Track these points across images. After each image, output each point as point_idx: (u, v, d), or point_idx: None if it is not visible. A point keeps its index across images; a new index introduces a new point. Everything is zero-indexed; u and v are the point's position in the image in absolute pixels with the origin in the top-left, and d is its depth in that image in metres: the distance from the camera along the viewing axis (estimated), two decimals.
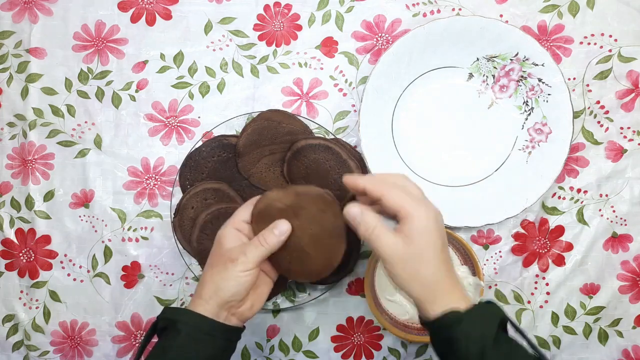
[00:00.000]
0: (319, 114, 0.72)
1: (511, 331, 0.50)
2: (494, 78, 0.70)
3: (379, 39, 0.72)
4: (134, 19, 0.73)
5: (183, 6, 0.73)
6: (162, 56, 0.73)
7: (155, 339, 0.55)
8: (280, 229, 0.54)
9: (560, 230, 0.70)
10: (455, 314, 0.47)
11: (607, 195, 0.71)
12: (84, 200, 0.72)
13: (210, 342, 0.52)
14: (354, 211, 0.51)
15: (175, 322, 0.52)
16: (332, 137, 0.70)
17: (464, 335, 0.46)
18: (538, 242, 0.71)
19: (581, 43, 0.71)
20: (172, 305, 0.72)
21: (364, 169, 0.68)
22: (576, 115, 0.70)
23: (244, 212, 0.56)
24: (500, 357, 0.46)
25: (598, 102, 0.71)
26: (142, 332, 0.72)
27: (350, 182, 0.52)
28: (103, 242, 0.72)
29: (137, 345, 0.72)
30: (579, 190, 0.71)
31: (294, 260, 0.56)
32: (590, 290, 0.70)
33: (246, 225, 0.56)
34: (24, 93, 0.73)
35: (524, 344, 0.49)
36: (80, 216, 0.72)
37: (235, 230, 0.55)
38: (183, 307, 0.54)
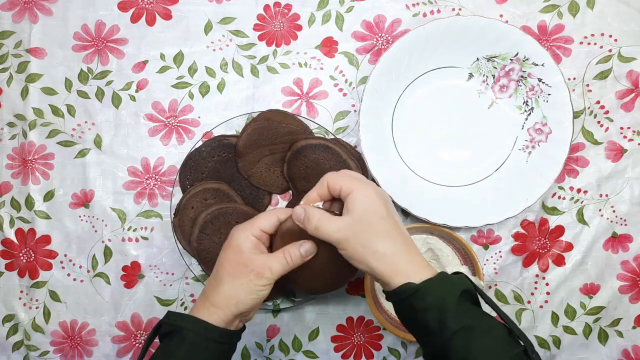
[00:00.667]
0: (319, 114, 0.72)
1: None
2: (494, 78, 0.70)
3: (379, 39, 0.72)
4: (134, 19, 0.73)
5: (183, 6, 0.73)
6: (162, 56, 0.73)
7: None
8: (307, 249, 0.53)
9: (560, 230, 0.70)
10: (411, 285, 0.47)
11: (607, 195, 0.71)
12: (84, 200, 0.72)
13: (216, 348, 0.52)
14: (299, 211, 0.52)
15: (180, 329, 0.51)
16: (332, 137, 0.70)
17: (424, 305, 0.47)
18: (538, 242, 0.71)
19: (581, 43, 0.71)
20: (172, 306, 0.72)
21: (364, 169, 0.68)
22: (576, 115, 0.70)
23: (264, 221, 0.54)
24: (461, 323, 0.46)
25: (598, 102, 0.71)
26: (142, 332, 0.72)
27: (317, 192, 0.53)
28: (103, 242, 0.72)
29: (137, 345, 0.72)
30: (579, 190, 0.71)
31: (302, 277, 0.56)
32: (590, 290, 0.70)
33: (264, 235, 0.54)
34: (24, 93, 0.73)
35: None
36: (80, 216, 0.72)
37: (254, 238, 0.54)
38: (186, 312, 0.53)
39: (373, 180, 0.69)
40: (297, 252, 0.53)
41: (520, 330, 0.48)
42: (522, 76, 0.69)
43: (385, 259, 0.49)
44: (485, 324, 0.47)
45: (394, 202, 0.67)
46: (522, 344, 0.47)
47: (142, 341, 0.72)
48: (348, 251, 0.49)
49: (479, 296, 0.50)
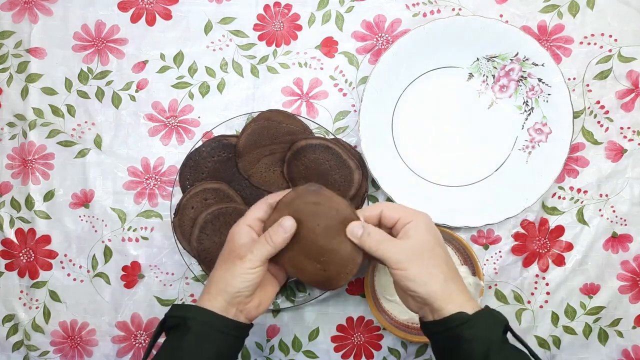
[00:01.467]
0: (319, 114, 0.72)
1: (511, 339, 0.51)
2: (494, 78, 0.70)
3: (379, 39, 0.72)
4: (134, 19, 0.73)
5: (183, 6, 0.73)
6: (162, 56, 0.73)
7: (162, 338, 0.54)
8: (285, 226, 0.54)
9: (560, 230, 0.70)
10: (463, 314, 0.49)
11: (607, 195, 0.71)
12: (84, 200, 0.72)
13: (220, 339, 0.52)
14: (356, 227, 0.53)
15: (185, 319, 0.52)
16: (332, 137, 0.70)
17: (472, 336, 0.48)
18: (538, 242, 0.71)
19: (581, 43, 0.71)
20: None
21: (363, 169, 0.68)
22: (576, 115, 0.70)
23: (257, 210, 0.56)
24: (504, 356, 0.48)
25: (598, 102, 0.71)
26: (142, 332, 0.72)
27: (367, 214, 0.55)
28: (103, 242, 0.72)
29: (137, 345, 0.72)
30: (579, 190, 0.71)
31: (309, 265, 0.55)
32: (590, 290, 0.70)
33: (258, 222, 0.56)
34: (24, 93, 0.73)
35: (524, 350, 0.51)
36: (80, 216, 0.72)
37: (247, 227, 0.55)
38: (197, 306, 0.54)
39: (373, 180, 0.69)
40: (277, 230, 0.53)
41: None
42: (522, 76, 0.69)
43: (442, 284, 0.50)
44: (523, 358, 0.50)
45: (393, 202, 0.67)
46: None
47: (143, 341, 0.72)
48: (409, 271, 0.50)
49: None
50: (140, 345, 0.72)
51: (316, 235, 0.54)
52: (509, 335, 0.51)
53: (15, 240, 0.73)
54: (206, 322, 0.52)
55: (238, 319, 0.54)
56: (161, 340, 0.55)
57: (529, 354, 0.51)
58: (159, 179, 0.72)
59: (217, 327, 0.52)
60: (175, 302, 0.72)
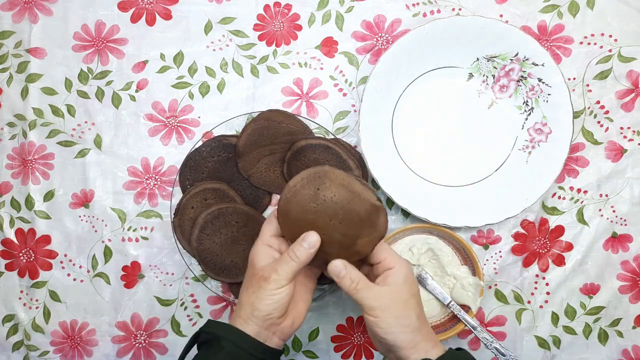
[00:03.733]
0: (319, 114, 0.72)
1: None
2: (494, 78, 0.70)
3: (379, 39, 0.72)
4: (134, 19, 0.73)
5: (183, 6, 0.73)
6: (162, 56, 0.73)
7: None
8: (310, 242, 0.53)
9: (560, 230, 0.71)
10: None
11: (607, 195, 0.71)
12: (84, 200, 0.72)
13: None
14: (338, 266, 0.53)
15: (219, 338, 0.51)
16: (332, 137, 0.70)
17: None
18: (538, 242, 0.71)
19: (581, 43, 0.71)
20: (172, 305, 0.72)
21: (363, 169, 0.68)
22: (576, 115, 0.70)
23: (270, 227, 0.55)
24: None
25: (598, 102, 0.71)
26: (142, 332, 0.72)
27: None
28: (103, 242, 0.72)
29: (137, 345, 0.72)
30: (579, 190, 0.71)
31: (333, 251, 0.54)
32: (590, 290, 0.70)
33: (275, 240, 0.55)
34: (24, 93, 0.73)
35: None
36: (80, 216, 0.72)
37: (266, 247, 0.54)
38: (235, 327, 0.53)
39: (373, 180, 0.69)
40: (301, 248, 0.53)
41: None
42: (522, 76, 0.69)
43: (410, 334, 0.52)
44: None
45: (394, 202, 0.67)
46: None
47: (142, 341, 0.72)
48: (380, 319, 0.52)
49: None
50: (140, 346, 0.72)
51: (335, 229, 0.53)
52: None
53: (15, 240, 0.73)
54: (239, 343, 0.51)
55: (272, 342, 0.54)
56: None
57: None
58: (159, 179, 0.72)
59: (249, 350, 0.52)
60: (175, 302, 0.71)
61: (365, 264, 0.56)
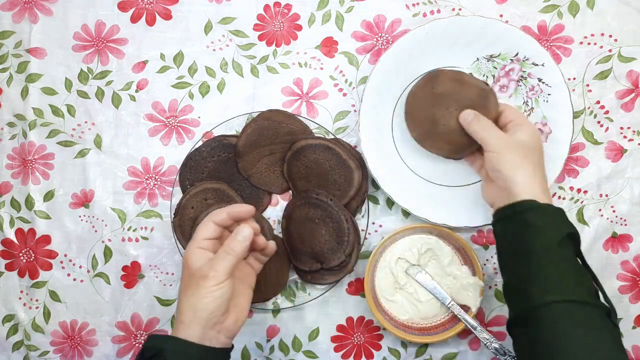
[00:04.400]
0: (319, 114, 0.72)
1: None
2: (494, 78, 0.70)
3: (379, 39, 0.72)
4: (134, 19, 0.73)
5: (183, 6, 0.73)
6: (162, 56, 0.73)
7: None
8: (244, 235, 0.54)
9: None
10: (534, 202, 0.53)
11: (607, 195, 0.71)
12: (84, 200, 0.72)
13: None
14: (468, 113, 0.60)
15: (161, 351, 0.51)
16: (332, 137, 0.70)
17: (537, 224, 0.53)
18: None
19: (581, 43, 0.71)
20: (172, 305, 0.72)
21: (363, 169, 0.68)
22: (576, 115, 0.70)
23: (205, 230, 0.56)
24: (563, 257, 0.52)
25: (598, 102, 0.71)
26: (142, 332, 0.72)
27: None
28: (103, 242, 0.72)
29: (137, 345, 0.72)
30: (579, 190, 0.71)
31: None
32: None
33: (209, 242, 0.55)
34: (24, 93, 0.73)
35: None
36: (80, 216, 0.72)
37: (200, 249, 0.55)
38: (171, 336, 0.53)
39: (373, 180, 0.69)
40: (236, 242, 0.54)
41: (606, 294, 0.53)
42: (522, 76, 0.69)
43: (527, 173, 0.55)
44: (588, 270, 0.54)
45: (394, 202, 0.67)
46: (607, 305, 0.52)
47: (142, 341, 0.72)
48: (502, 155, 0.56)
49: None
50: (140, 346, 0.72)
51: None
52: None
53: (15, 240, 0.73)
54: (183, 352, 0.51)
55: (217, 342, 0.54)
56: None
57: (591, 276, 0.53)
58: (159, 179, 0.72)
59: (194, 357, 0.52)
60: (175, 302, 0.71)
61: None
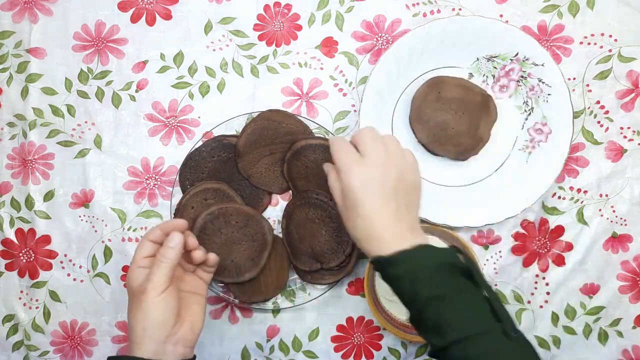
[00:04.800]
0: (319, 114, 0.72)
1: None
2: (494, 78, 0.70)
3: (379, 39, 0.72)
4: (134, 19, 0.73)
5: (183, 6, 0.73)
6: (162, 56, 0.73)
7: None
8: (174, 241, 0.54)
9: (560, 230, 0.70)
10: (382, 258, 0.49)
11: (607, 195, 0.71)
12: (84, 200, 0.72)
13: None
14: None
15: None
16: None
17: (395, 273, 0.49)
18: (538, 242, 0.71)
19: (581, 43, 0.71)
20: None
21: None
22: (576, 115, 0.70)
23: (142, 249, 0.55)
24: (434, 292, 0.47)
25: (598, 102, 0.71)
26: None
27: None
28: (103, 242, 0.72)
29: None
30: (579, 190, 0.71)
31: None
32: (590, 290, 0.70)
33: (148, 260, 0.55)
34: (24, 93, 0.73)
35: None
36: (80, 216, 0.72)
37: (140, 268, 0.54)
38: (125, 356, 0.53)
39: None
40: (167, 249, 0.53)
41: (503, 308, 0.48)
42: (522, 76, 0.69)
43: (368, 232, 0.51)
44: (464, 296, 0.48)
45: None
46: (501, 321, 0.47)
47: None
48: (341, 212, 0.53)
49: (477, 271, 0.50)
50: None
51: None
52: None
53: (15, 240, 0.73)
54: None
55: (177, 352, 0.53)
56: None
57: (486, 292, 0.48)
58: (159, 179, 0.72)
59: None
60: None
61: None
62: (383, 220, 0.50)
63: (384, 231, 0.50)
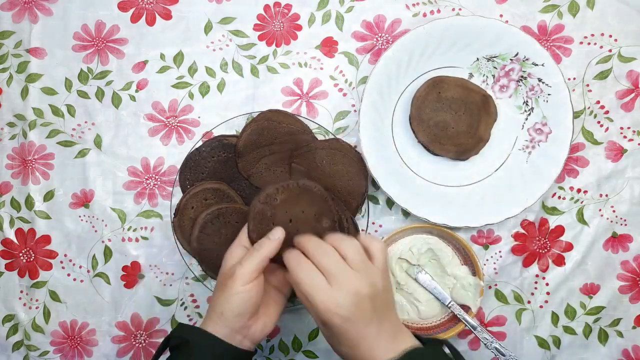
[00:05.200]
0: (319, 114, 0.72)
1: None
2: (494, 78, 0.70)
3: (379, 39, 0.72)
4: (134, 19, 0.73)
5: (183, 6, 0.73)
6: (162, 56, 0.73)
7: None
8: (274, 235, 0.53)
9: (560, 230, 0.70)
10: None
11: (607, 195, 0.71)
12: (84, 200, 0.72)
13: None
14: (290, 254, 0.53)
15: (188, 342, 0.51)
16: (332, 137, 0.70)
17: None
18: (538, 242, 0.71)
19: (581, 43, 0.71)
20: (172, 305, 0.72)
21: (364, 169, 0.68)
22: (576, 115, 0.70)
23: (246, 229, 0.55)
24: None
25: (598, 102, 0.71)
26: (142, 332, 0.72)
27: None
28: (103, 242, 0.72)
29: (137, 345, 0.72)
30: (579, 190, 0.71)
31: None
32: (590, 290, 0.70)
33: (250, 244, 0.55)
34: (24, 93, 0.73)
35: None
36: (80, 216, 0.72)
37: (241, 247, 0.54)
38: (197, 325, 0.54)
39: (373, 180, 0.69)
40: (266, 240, 0.53)
41: None
42: (522, 76, 0.69)
43: (351, 351, 0.50)
44: None
45: (394, 202, 0.67)
46: None
47: (142, 341, 0.72)
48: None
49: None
50: (140, 346, 0.72)
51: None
52: None
53: (15, 240, 0.73)
54: (209, 347, 0.51)
55: (242, 345, 0.53)
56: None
57: None
58: (159, 179, 0.72)
59: (218, 354, 0.51)
60: (175, 302, 0.71)
61: None
62: (367, 342, 0.49)
63: (371, 351, 0.50)
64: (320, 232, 0.56)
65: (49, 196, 0.72)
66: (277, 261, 0.55)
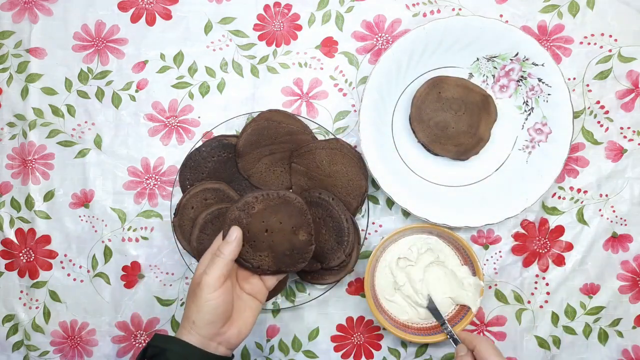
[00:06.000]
0: (319, 114, 0.72)
1: None
2: (494, 78, 0.70)
3: (379, 39, 0.72)
4: (134, 19, 0.73)
5: (183, 6, 0.73)
6: (162, 56, 0.73)
7: None
8: (231, 237, 0.54)
9: (560, 230, 0.71)
10: None
11: (607, 195, 0.71)
12: (84, 200, 0.72)
13: None
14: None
15: (164, 351, 0.52)
16: (332, 137, 0.70)
17: None
18: (538, 242, 0.71)
19: (581, 43, 0.71)
20: (172, 306, 0.72)
21: (364, 169, 0.68)
22: (576, 115, 0.70)
23: (221, 238, 0.56)
24: None
25: (598, 102, 0.71)
26: (142, 332, 0.72)
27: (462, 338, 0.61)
28: (103, 242, 0.72)
29: (137, 345, 0.72)
30: (579, 190, 0.71)
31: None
32: (590, 290, 0.70)
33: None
34: (24, 93, 0.73)
35: None
36: (80, 216, 0.72)
37: (210, 254, 0.55)
38: (172, 335, 0.54)
39: (373, 180, 0.69)
40: (226, 244, 0.53)
41: None
42: (522, 76, 0.69)
43: None
44: None
45: (394, 202, 0.67)
46: None
47: (142, 341, 0.72)
48: None
49: None
50: (140, 346, 0.72)
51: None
52: None
53: (15, 240, 0.73)
54: (184, 354, 0.51)
55: (218, 351, 0.54)
56: None
57: None
58: (159, 179, 0.72)
59: None
60: (175, 302, 0.72)
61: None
62: None
63: None
64: (297, 245, 0.57)
65: (49, 196, 0.72)
66: (249, 267, 0.57)
